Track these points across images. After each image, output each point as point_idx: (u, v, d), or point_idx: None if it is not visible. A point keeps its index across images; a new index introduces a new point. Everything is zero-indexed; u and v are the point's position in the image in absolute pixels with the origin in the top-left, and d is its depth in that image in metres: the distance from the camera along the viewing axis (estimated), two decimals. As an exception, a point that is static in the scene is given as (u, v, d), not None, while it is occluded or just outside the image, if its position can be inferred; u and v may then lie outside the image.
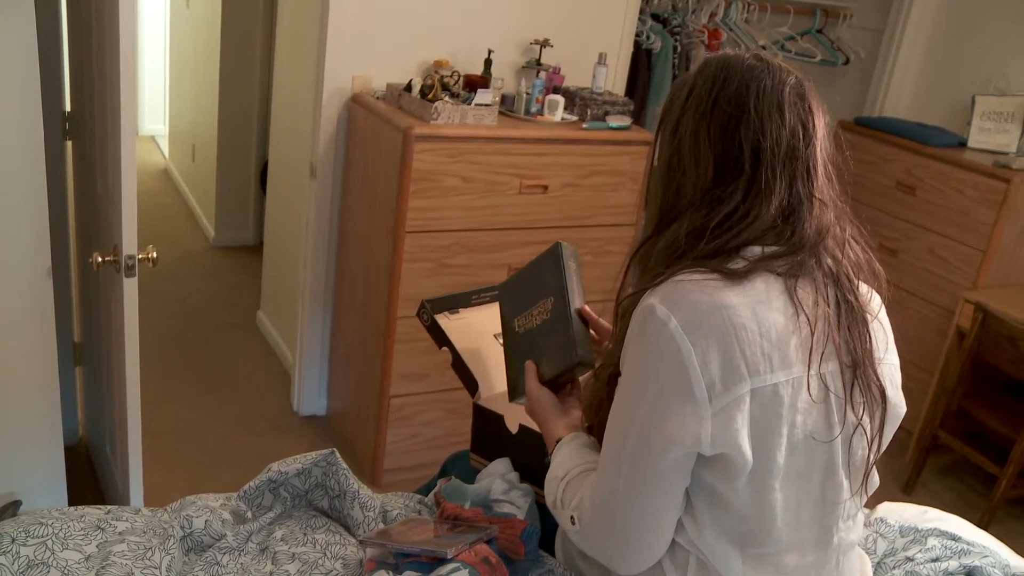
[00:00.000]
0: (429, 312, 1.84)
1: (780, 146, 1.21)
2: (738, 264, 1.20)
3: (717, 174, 1.23)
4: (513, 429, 1.66)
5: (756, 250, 1.21)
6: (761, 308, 1.17)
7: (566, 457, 1.39)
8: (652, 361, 1.19)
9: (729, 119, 1.22)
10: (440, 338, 1.83)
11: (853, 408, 1.23)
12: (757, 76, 1.23)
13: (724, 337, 1.15)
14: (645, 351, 1.19)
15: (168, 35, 6.13)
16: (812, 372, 1.19)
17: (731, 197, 1.22)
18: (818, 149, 1.25)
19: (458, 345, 1.81)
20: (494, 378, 1.80)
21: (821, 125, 1.26)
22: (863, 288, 1.29)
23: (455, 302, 1.92)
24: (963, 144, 3.69)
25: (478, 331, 1.89)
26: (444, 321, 1.86)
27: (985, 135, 3.65)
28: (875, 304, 1.31)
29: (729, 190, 1.22)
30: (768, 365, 1.16)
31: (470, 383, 1.78)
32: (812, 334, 1.19)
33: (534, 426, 1.61)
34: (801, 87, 1.25)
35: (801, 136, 1.23)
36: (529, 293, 1.62)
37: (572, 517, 1.31)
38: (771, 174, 1.21)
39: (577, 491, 1.31)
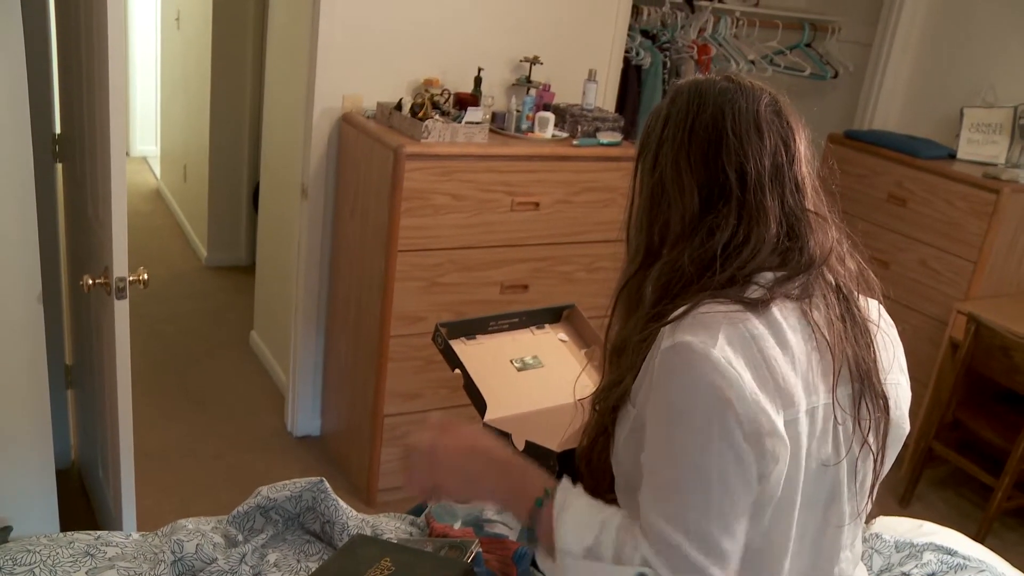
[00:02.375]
0: (444, 337, 1.82)
1: (764, 167, 1.20)
2: (755, 292, 1.18)
3: (704, 202, 1.21)
4: (520, 446, 1.65)
5: (768, 276, 1.19)
6: (784, 337, 1.15)
7: (586, 504, 1.26)
8: (701, 397, 1.10)
9: (708, 145, 1.21)
10: (453, 360, 1.81)
11: (860, 425, 1.20)
12: (731, 99, 1.22)
13: (759, 369, 1.12)
14: (689, 388, 1.11)
15: (159, 56, 6.14)
16: (833, 398, 1.17)
17: (725, 223, 1.20)
18: (802, 164, 1.24)
19: (469, 366, 1.79)
20: (503, 398, 1.78)
21: (802, 140, 1.24)
22: (861, 300, 1.28)
23: (472, 327, 1.89)
24: (952, 156, 3.70)
25: (493, 356, 1.86)
26: (459, 346, 1.84)
27: (974, 147, 3.66)
28: (874, 316, 1.29)
29: (721, 216, 1.20)
30: (796, 396, 1.14)
31: (479, 403, 1.76)
32: (833, 357, 1.17)
33: (541, 442, 1.58)
34: (776, 104, 1.24)
35: (784, 153, 1.21)
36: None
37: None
38: (761, 195, 1.19)
39: (636, 549, 1.16)
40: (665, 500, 1.14)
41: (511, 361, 1.86)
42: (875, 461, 1.25)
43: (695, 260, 1.21)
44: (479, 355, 1.84)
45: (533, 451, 1.62)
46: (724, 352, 1.10)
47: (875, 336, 1.26)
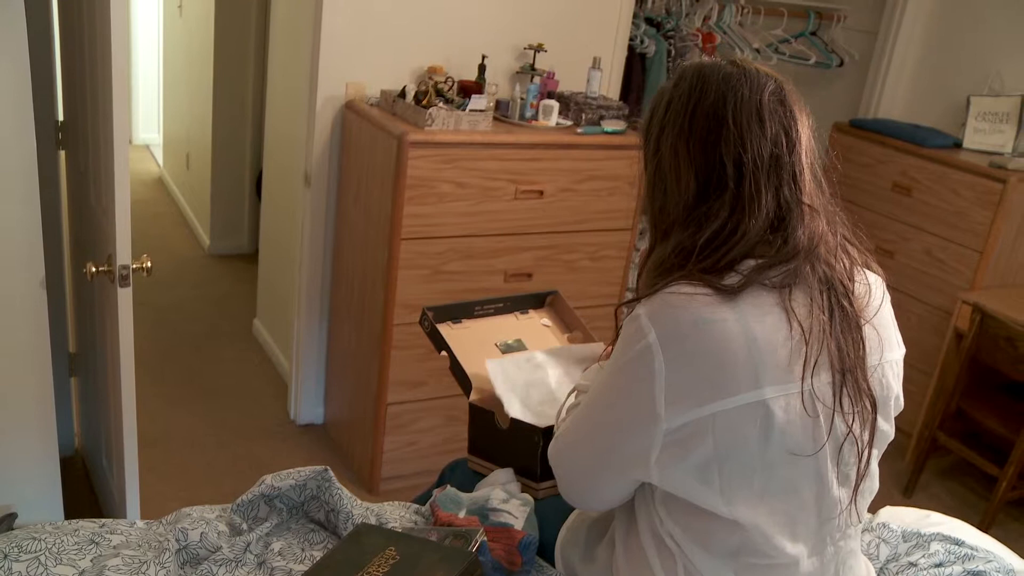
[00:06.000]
0: (430, 320, 1.86)
1: (763, 158, 1.19)
2: (732, 279, 1.18)
3: (700, 192, 1.22)
4: (504, 424, 1.69)
5: (750, 262, 1.19)
6: (753, 323, 1.15)
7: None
8: (626, 369, 1.20)
9: (708, 134, 1.20)
10: (439, 343, 1.85)
11: (843, 417, 1.20)
12: (734, 86, 1.21)
13: (700, 355, 1.14)
14: (623, 357, 1.21)
15: (162, 44, 6.12)
16: (805, 387, 1.16)
17: (717, 214, 1.20)
18: (803, 154, 1.22)
19: (455, 348, 1.82)
20: (488, 379, 1.81)
21: (805, 129, 1.23)
22: (860, 290, 1.26)
23: (458, 312, 1.94)
24: (958, 145, 3.69)
25: (479, 339, 1.91)
26: (446, 329, 1.88)
27: (980, 136, 3.65)
28: (875, 303, 1.28)
29: (715, 207, 1.20)
30: (753, 382, 1.14)
31: (465, 384, 1.80)
32: (806, 344, 1.16)
33: (525, 420, 1.64)
34: (781, 92, 1.23)
35: (784, 144, 1.20)
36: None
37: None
38: (756, 188, 1.19)
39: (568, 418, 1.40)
40: (574, 418, 1.34)
41: (495, 344, 1.91)
42: (860, 452, 1.24)
43: (678, 249, 1.23)
44: (464, 338, 1.89)
45: (518, 428, 1.65)
46: (664, 335, 1.16)
47: (864, 330, 1.24)
